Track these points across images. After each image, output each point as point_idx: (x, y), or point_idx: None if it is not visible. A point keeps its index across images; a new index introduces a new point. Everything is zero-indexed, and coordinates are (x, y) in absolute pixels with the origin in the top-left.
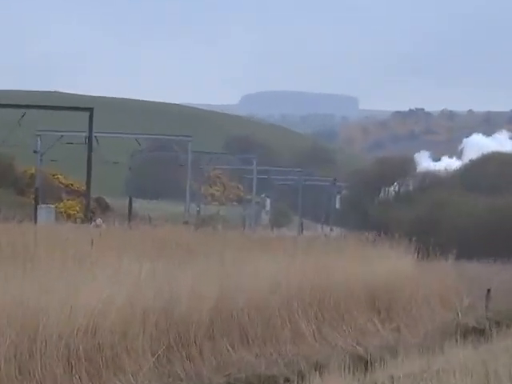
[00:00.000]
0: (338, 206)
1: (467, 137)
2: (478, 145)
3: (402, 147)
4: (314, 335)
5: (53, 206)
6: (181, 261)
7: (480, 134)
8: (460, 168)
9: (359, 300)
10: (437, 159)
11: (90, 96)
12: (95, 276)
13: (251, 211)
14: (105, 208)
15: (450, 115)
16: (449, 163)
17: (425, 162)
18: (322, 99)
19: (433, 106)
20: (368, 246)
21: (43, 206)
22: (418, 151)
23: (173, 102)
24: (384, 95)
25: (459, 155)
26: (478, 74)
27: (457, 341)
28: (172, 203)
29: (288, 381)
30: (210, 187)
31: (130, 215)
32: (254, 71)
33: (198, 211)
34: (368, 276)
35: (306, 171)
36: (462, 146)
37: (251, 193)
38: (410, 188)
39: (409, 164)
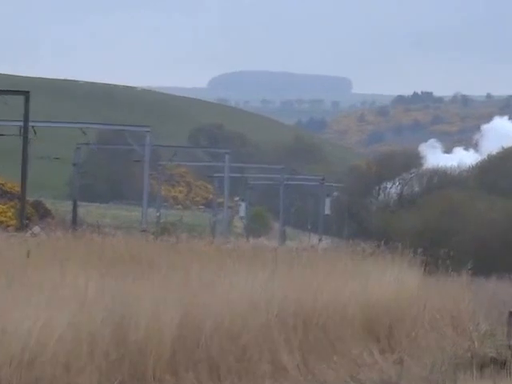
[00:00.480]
0: (327, 210)
1: (486, 123)
2: (499, 132)
3: (406, 139)
4: (298, 368)
5: None
6: (137, 277)
7: (505, 118)
8: (477, 163)
9: (353, 325)
10: (448, 152)
11: (26, 77)
12: (31, 296)
13: (222, 217)
14: (44, 213)
15: (463, 101)
16: (463, 157)
17: (433, 156)
18: (308, 82)
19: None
20: (365, 259)
21: None
22: (424, 145)
23: (127, 84)
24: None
25: (475, 147)
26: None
27: (472, 374)
28: (126, 208)
29: None
30: (173, 188)
31: (75, 222)
32: (225, 48)
33: (158, 217)
34: (364, 296)
35: (290, 169)
36: (479, 135)
37: (222, 195)
38: (416, 189)
39: (413, 159)
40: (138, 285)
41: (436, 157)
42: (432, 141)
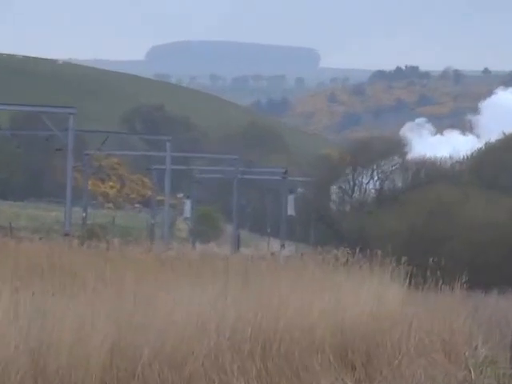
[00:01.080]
0: (291, 211)
1: (487, 98)
2: (503, 109)
3: (387, 124)
4: None
5: None
6: (58, 292)
7: (510, 91)
8: (472, 153)
9: (323, 350)
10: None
11: None
12: None
13: (163, 218)
14: None
15: (456, 77)
16: (458, 143)
17: (420, 142)
18: (267, 54)
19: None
20: (337, 269)
21: None
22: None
23: (47, 57)
24: (359, 48)
25: (471, 130)
26: (492, 23)
27: None
28: (45, 206)
29: None
30: (102, 183)
31: None
32: (166, 13)
33: (85, 218)
34: (336, 315)
35: (245, 160)
36: (476, 115)
37: (163, 191)
38: (399, 184)
39: (396, 147)
40: (60, 302)
41: (424, 143)
42: (420, 121)
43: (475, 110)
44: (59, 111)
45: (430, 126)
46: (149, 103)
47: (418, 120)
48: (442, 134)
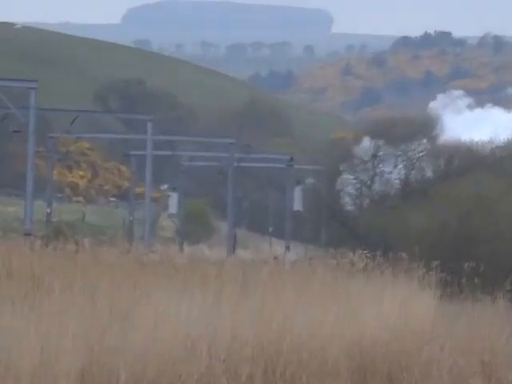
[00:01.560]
0: (297, 205)
1: None
2: None
3: (413, 101)
4: None
5: None
6: (17, 304)
7: None
8: None
9: (337, 375)
10: (478, 115)
11: None
12: None
13: (144, 215)
14: None
15: (496, 44)
16: (498, 122)
17: (454, 121)
18: (269, 16)
19: (468, 29)
20: (353, 276)
21: None
22: (442, 101)
23: (2, 19)
24: (378, 9)
25: None
26: None
27: None
28: (0, 200)
29: None
30: (70, 172)
31: None
32: None
33: (49, 214)
34: (353, 332)
35: (242, 144)
36: None
37: (143, 182)
38: (428, 174)
39: (424, 129)
40: (20, 315)
41: (459, 122)
42: (454, 93)
43: None
44: (17, 85)
45: (467, 100)
46: (126, 76)
47: (451, 93)
48: (482, 108)
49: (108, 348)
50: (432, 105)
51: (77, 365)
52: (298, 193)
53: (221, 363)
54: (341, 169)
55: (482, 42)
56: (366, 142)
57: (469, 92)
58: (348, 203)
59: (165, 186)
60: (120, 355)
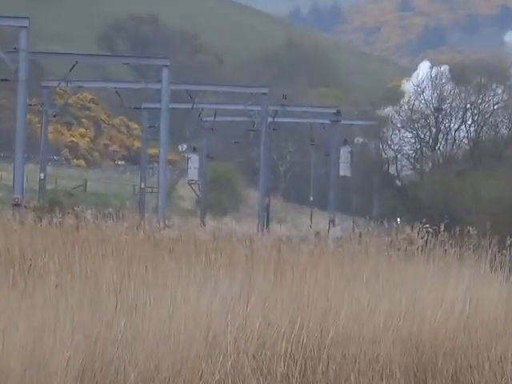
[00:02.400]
0: (344, 170)
1: None
2: None
3: (484, 42)
4: None
5: None
6: (5, 288)
7: None
8: None
9: (391, 373)
10: None
11: None
12: None
13: (158, 181)
14: None
15: None
16: None
17: None
18: None
19: None
20: (411, 256)
21: None
22: None
23: None
24: None
25: None
26: None
27: None
28: None
29: None
30: (69, 129)
31: None
32: None
33: (43, 181)
34: (411, 322)
35: (277, 95)
36: None
37: (157, 142)
38: (503, 131)
39: (498, 76)
40: (8, 303)
41: None
42: None
43: None
44: (5, 24)
45: None
46: (136, 13)
47: None
48: None
49: (113, 342)
50: (508, 39)
51: (75, 362)
52: (344, 154)
53: (250, 360)
54: (398, 125)
55: None
56: (428, 93)
57: None
58: (405, 167)
59: (184, 147)
60: (128, 351)
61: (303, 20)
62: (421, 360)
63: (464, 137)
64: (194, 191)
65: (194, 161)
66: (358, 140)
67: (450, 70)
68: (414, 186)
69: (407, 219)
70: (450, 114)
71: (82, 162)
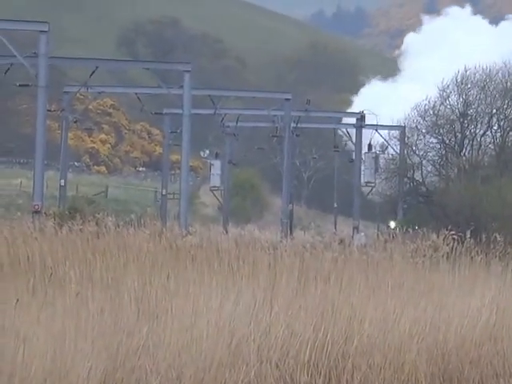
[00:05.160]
0: (368, 175)
1: None
2: None
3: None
4: None
5: None
6: (26, 299)
7: None
8: None
9: (417, 381)
10: None
11: None
12: None
13: (180, 188)
14: None
15: None
16: None
17: None
18: None
19: None
20: (436, 264)
21: None
22: None
23: None
24: None
25: None
26: None
27: None
28: (4, 171)
29: None
30: (89, 135)
31: None
32: None
33: (63, 188)
34: (437, 330)
35: (301, 100)
36: None
37: (179, 148)
38: None
39: None
40: (28, 313)
41: None
42: None
43: None
44: (25, 28)
45: None
46: (157, 16)
47: None
48: None
49: (135, 351)
50: None
51: (97, 371)
52: (368, 160)
53: (273, 369)
54: (423, 131)
55: None
56: (454, 98)
57: None
58: (431, 173)
59: (206, 153)
60: (150, 359)
61: (327, 23)
62: (447, 368)
63: (490, 142)
64: (217, 198)
65: (216, 167)
66: (383, 146)
67: (476, 74)
68: (439, 192)
69: (432, 226)
70: (476, 119)
71: (103, 169)
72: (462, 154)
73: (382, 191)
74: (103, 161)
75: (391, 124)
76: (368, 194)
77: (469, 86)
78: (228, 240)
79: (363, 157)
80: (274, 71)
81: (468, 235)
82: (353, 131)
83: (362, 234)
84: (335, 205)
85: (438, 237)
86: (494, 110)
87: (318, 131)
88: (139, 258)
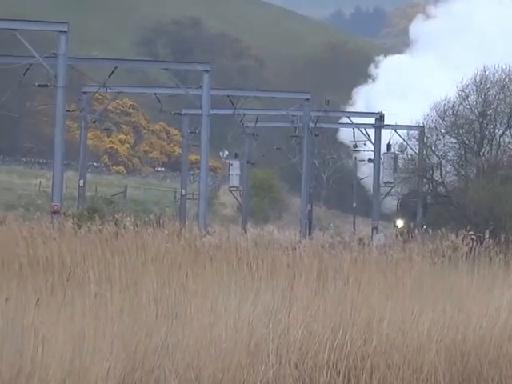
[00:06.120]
0: (387, 175)
1: None
2: None
3: None
4: None
5: None
6: (45, 298)
7: None
8: None
9: (435, 381)
10: None
11: None
12: None
13: (199, 188)
14: None
15: None
16: None
17: None
18: None
19: None
20: (456, 263)
21: None
22: None
23: None
24: None
25: None
26: None
27: None
28: (23, 171)
29: None
30: (109, 136)
31: None
32: None
33: (82, 188)
34: (455, 330)
35: (319, 101)
36: None
37: (198, 148)
38: None
39: None
40: (47, 313)
41: None
42: None
43: None
44: (44, 29)
45: None
46: (177, 16)
47: None
48: None
49: (154, 351)
50: None
51: (115, 371)
52: (387, 160)
53: (292, 369)
54: (442, 131)
55: None
56: (473, 98)
57: None
58: (450, 173)
59: (225, 153)
60: (168, 360)
61: (345, 24)
62: (466, 369)
63: (509, 142)
64: (236, 198)
65: (235, 167)
66: (402, 146)
67: (495, 74)
68: (458, 192)
69: (451, 226)
70: (495, 119)
71: (122, 169)
72: (481, 153)
73: (400, 191)
74: (122, 161)
75: (410, 124)
76: (387, 194)
77: (488, 85)
78: (247, 240)
79: (382, 157)
80: (293, 71)
81: (487, 235)
82: (371, 131)
83: (382, 234)
84: (354, 205)
85: (456, 237)
86: None
87: (337, 131)
88: (158, 258)
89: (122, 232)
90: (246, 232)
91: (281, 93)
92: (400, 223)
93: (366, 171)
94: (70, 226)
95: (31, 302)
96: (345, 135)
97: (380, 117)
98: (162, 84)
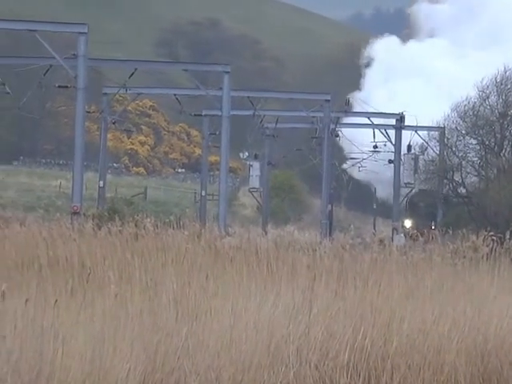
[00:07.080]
0: (408, 176)
1: None
2: None
3: None
4: None
5: None
6: (64, 298)
7: None
8: None
9: (456, 377)
10: None
11: None
12: None
13: (219, 189)
14: None
15: None
16: None
17: None
18: None
19: None
20: (477, 264)
21: None
22: None
23: None
24: None
25: None
26: None
27: None
28: (44, 172)
29: None
30: (128, 137)
31: None
32: None
33: (102, 189)
34: (476, 331)
35: (340, 102)
36: None
37: (218, 149)
38: None
39: None
40: (67, 314)
41: None
42: None
43: None
44: (64, 30)
45: None
46: (196, 17)
47: None
48: None
49: (174, 352)
50: None
51: (136, 373)
52: (408, 161)
53: (312, 370)
54: (462, 131)
55: None
56: (493, 99)
57: None
58: (470, 174)
59: (245, 154)
60: (189, 361)
61: (365, 24)
62: (486, 369)
63: None
64: (256, 199)
65: (255, 168)
66: (423, 147)
67: None
68: (478, 193)
69: (472, 227)
70: None
71: (142, 170)
72: (501, 154)
73: (421, 191)
74: (142, 162)
75: (431, 125)
76: (407, 195)
77: (508, 86)
78: (267, 241)
79: (402, 158)
80: (312, 72)
81: (508, 236)
82: (392, 132)
83: (402, 234)
84: (374, 206)
85: (477, 238)
86: None
87: (357, 132)
88: (178, 259)
89: (142, 233)
90: (266, 233)
91: (301, 94)
92: (408, 223)
93: (386, 173)
94: (90, 227)
95: (51, 303)
96: (363, 136)
97: (400, 118)
98: (182, 85)
